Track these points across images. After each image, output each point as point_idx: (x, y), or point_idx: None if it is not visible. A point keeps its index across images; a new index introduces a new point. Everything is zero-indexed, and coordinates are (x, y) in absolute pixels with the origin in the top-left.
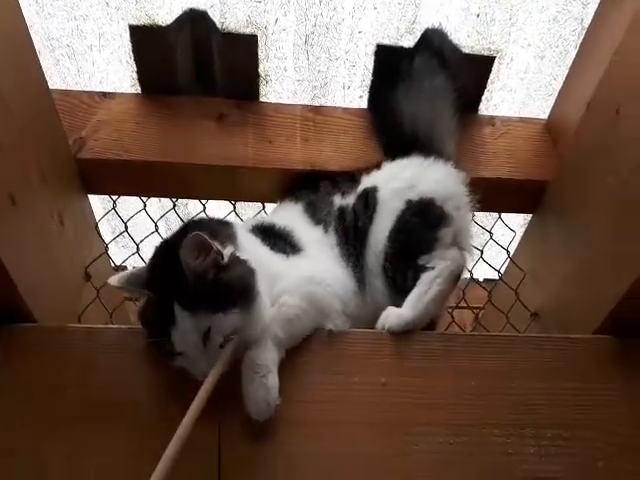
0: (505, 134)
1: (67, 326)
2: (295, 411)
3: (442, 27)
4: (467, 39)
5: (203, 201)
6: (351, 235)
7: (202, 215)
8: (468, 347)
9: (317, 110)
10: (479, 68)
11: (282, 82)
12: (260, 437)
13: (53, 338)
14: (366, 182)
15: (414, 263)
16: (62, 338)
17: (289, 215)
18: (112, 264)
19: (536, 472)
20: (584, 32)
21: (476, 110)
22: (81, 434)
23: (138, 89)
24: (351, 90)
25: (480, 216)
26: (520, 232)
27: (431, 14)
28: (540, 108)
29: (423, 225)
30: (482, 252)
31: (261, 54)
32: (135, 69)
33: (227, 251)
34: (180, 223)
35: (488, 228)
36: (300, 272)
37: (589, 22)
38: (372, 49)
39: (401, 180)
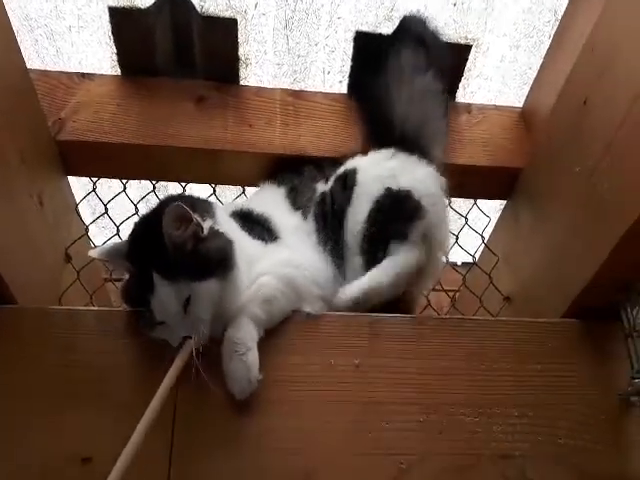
0: (481, 122)
1: (48, 308)
2: (273, 391)
3: (421, 14)
4: (444, 27)
5: (183, 184)
6: (329, 218)
7: None
8: (439, 330)
9: (297, 94)
10: (456, 56)
11: (262, 66)
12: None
13: (34, 320)
14: (347, 165)
15: (385, 246)
16: (43, 320)
17: (270, 199)
18: (92, 245)
19: (503, 450)
20: (557, 23)
21: (453, 98)
22: (61, 416)
23: (118, 71)
24: (331, 75)
25: (456, 202)
26: (495, 218)
27: (409, 2)
28: (515, 97)
29: (398, 212)
30: (457, 237)
31: (241, 37)
32: (115, 51)
33: (206, 224)
34: None
35: (464, 214)
36: (278, 256)
37: (562, 13)
38: (351, 35)
39: (384, 168)
